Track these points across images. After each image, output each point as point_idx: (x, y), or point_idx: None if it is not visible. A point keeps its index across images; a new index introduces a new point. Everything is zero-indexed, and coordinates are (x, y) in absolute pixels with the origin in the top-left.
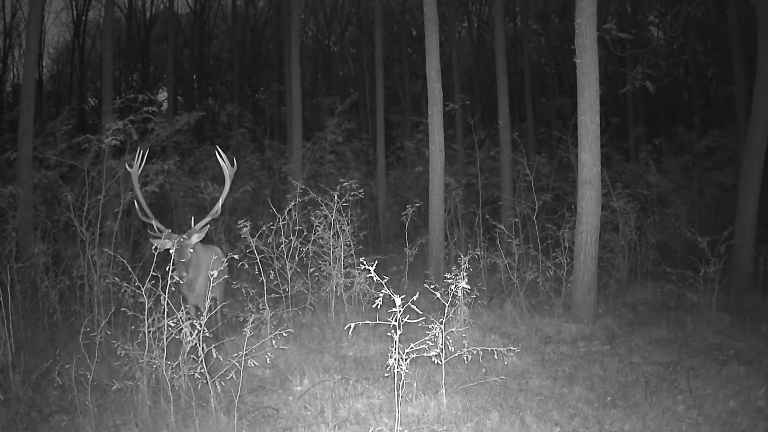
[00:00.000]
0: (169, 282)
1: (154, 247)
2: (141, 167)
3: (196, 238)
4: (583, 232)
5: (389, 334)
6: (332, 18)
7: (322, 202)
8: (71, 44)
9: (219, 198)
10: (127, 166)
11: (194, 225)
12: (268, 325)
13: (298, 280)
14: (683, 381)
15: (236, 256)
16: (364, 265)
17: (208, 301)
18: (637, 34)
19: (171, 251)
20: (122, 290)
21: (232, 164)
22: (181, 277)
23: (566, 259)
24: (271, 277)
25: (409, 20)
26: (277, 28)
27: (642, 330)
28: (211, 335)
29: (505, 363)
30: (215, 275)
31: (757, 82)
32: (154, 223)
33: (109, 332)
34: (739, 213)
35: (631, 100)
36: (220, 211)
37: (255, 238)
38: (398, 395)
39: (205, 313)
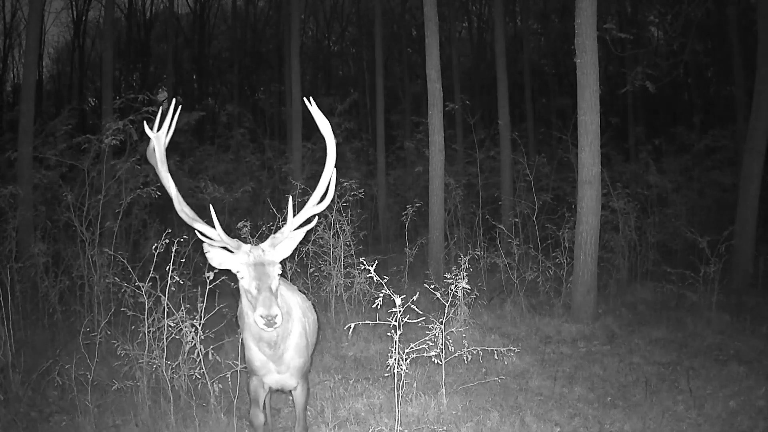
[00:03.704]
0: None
1: (210, 262)
2: (169, 134)
3: (282, 253)
4: (583, 232)
5: (389, 334)
6: (332, 18)
7: None
8: (71, 44)
9: (324, 175)
10: (148, 131)
11: (288, 225)
12: None
13: (298, 280)
14: (683, 381)
15: None
16: (364, 265)
17: (297, 377)
18: (637, 34)
19: (240, 273)
20: (122, 290)
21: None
22: (271, 320)
23: (566, 259)
24: None
25: (409, 20)
26: (277, 28)
27: (642, 330)
28: None
29: (505, 363)
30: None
31: (757, 82)
32: (199, 226)
33: (109, 332)
34: (739, 213)
35: (631, 100)
36: (330, 198)
37: (255, 238)
38: (398, 395)
39: (295, 399)
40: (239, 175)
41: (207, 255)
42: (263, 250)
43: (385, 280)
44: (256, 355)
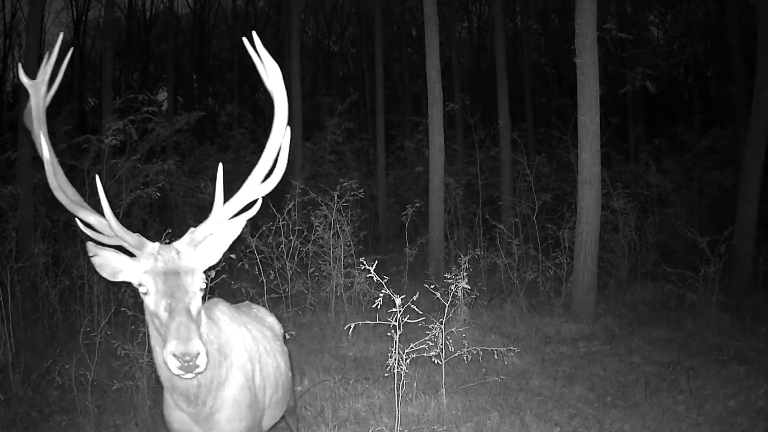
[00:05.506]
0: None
1: (99, 271)
2: (54, 87)
3: (209, 255)
4: (583, 232)
5: (389, 334)
6: (332, 18)
7: (322, 202)
8: (71, 44)
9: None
10: (23, 76)
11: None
12: None
13: (298, 280)
14: (683, 381)
15: (233, 256)
16: (364, 265)
17: None
18: (637, 34)
19: (142, 288)
20: (122, 290)
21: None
22: (190, 361)
23: (566, 259)
24: (271, 277)
25: (409, 20)
26: (277, 28)
27: (642, 330)
28: None
29: (505, 363)
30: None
31: (757, 82)
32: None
33: (109, 332)
34: (739, 213)
35: (631, 100)
36: (280, 174)
37: (255, 238)
38: (398, 395)
39: None
40: (239, 175)
41: (93, 261)
42: (178, 252)
43: (385, 280)
44: (172, 412)
